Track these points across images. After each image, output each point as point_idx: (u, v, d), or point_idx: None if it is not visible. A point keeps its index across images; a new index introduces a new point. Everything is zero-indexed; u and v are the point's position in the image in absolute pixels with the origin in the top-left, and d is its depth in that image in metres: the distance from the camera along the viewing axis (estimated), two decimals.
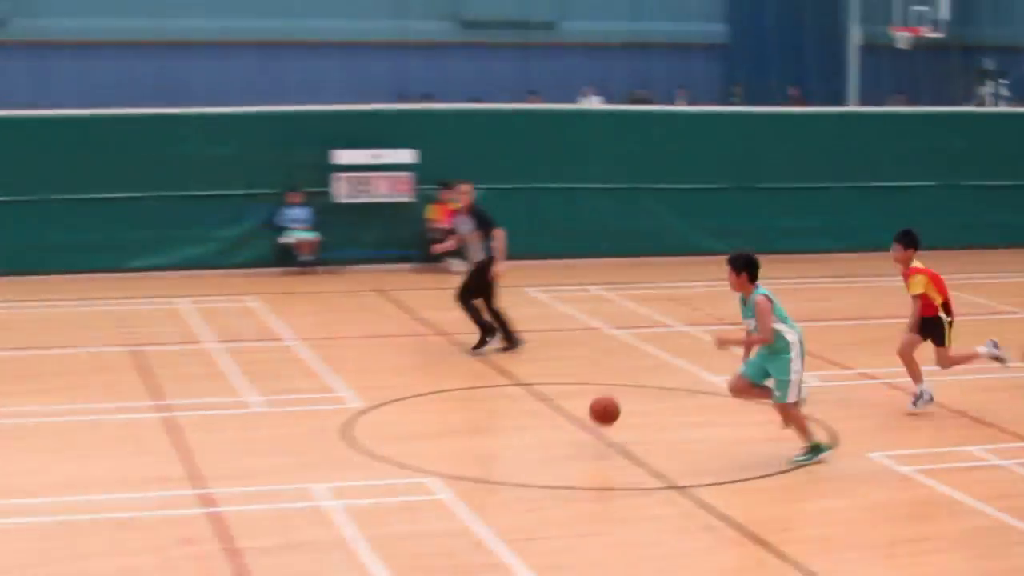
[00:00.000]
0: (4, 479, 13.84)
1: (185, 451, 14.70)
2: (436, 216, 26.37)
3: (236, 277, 24.91)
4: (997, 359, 16.76)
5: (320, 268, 25.76)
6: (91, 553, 11.89)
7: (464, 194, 20.11)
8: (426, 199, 26.46)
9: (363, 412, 16.36)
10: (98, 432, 15.62)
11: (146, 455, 14.68)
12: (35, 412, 16.28)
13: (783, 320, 14.28)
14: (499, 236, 19.38)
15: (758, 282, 14.31)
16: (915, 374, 16.46)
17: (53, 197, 25.00)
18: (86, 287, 23.94)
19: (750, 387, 14.65)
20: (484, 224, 19.49)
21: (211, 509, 12.90)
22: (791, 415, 14.43)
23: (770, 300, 14.22)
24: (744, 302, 14.42)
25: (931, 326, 16.35)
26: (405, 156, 26.43)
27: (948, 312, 16.38)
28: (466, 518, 12.68)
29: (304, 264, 25.74)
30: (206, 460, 14.40)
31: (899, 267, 16.48)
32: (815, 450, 14.46)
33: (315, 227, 25.89)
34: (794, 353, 14.27)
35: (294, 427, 15.82)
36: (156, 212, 25.38)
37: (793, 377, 14.25)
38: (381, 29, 43.00)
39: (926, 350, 16.36)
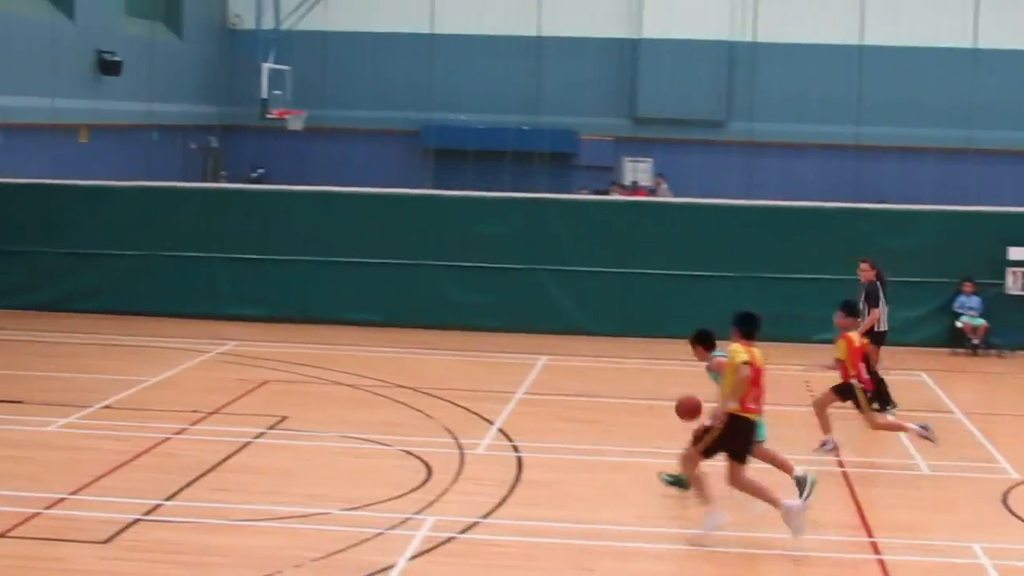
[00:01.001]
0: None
1: (856, 502, 14.56)
2: None
3: (911, 353, 24.41)
4: (926, 438, 16.22)
5: (987, 351, 24.96)
6: None
7: (863, 271, 20.06)
8: None
9: (1021, 483, 15.68)
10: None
11: (823, 502, 14.64)
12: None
13: None
14: (872, 315, 19.43)
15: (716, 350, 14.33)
16: (824, 426, 16.61)
17: (748, 275, 25.35)
18: (777, 353, 24.04)
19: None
20: (870, 300, 19.57)
21: (877, 556, 12.73)
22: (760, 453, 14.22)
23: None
24: (708, 370, 14.53)
25: (847, 390, 16.44)
26: None
27: (860, 380, 16.28)
28: None
29: (973, 347, 25.03)
30: (875, 512, 14.21)
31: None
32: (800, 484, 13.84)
33: (985, 315, 25.15)
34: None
35: (956, 489, 15.37)
36: (841, 292, 25.24)
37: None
38: None
39: None
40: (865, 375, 16.56)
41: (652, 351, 23.95)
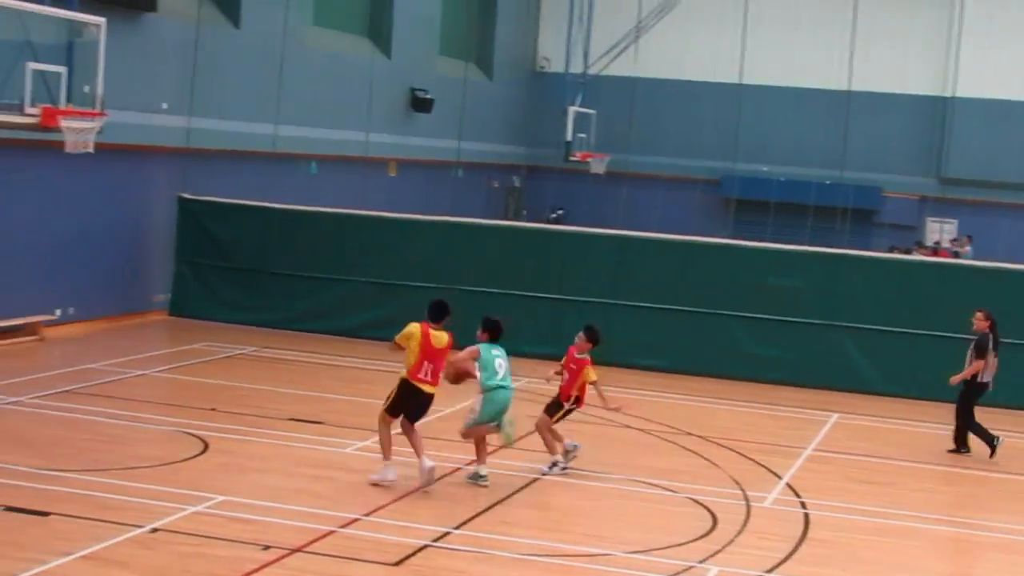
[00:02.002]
0: None
1: None
2: None
3: None
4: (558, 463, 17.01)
5: None
6: None
7: (977, 319, 19.93)
8: None
9: None
10: None
11: None
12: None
13: (487, 372, 16.00)
14: (975, 364, 19.60)
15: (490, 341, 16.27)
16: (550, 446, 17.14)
17: None
18: None
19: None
20: (978, 350, 19.70)
21: None
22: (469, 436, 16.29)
23: (478, 350, 16.08)
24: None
25: (558, 407, 17.19)
26: None
27: (579, 403, 17.29)
28: None
29: None
30: None
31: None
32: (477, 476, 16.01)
33: None
34: (479, 399, 16.03)
35: None
36: None
37: (471, 415, 16.10)
38: None
39: None
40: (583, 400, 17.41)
41: (946, 416, 23.32)
